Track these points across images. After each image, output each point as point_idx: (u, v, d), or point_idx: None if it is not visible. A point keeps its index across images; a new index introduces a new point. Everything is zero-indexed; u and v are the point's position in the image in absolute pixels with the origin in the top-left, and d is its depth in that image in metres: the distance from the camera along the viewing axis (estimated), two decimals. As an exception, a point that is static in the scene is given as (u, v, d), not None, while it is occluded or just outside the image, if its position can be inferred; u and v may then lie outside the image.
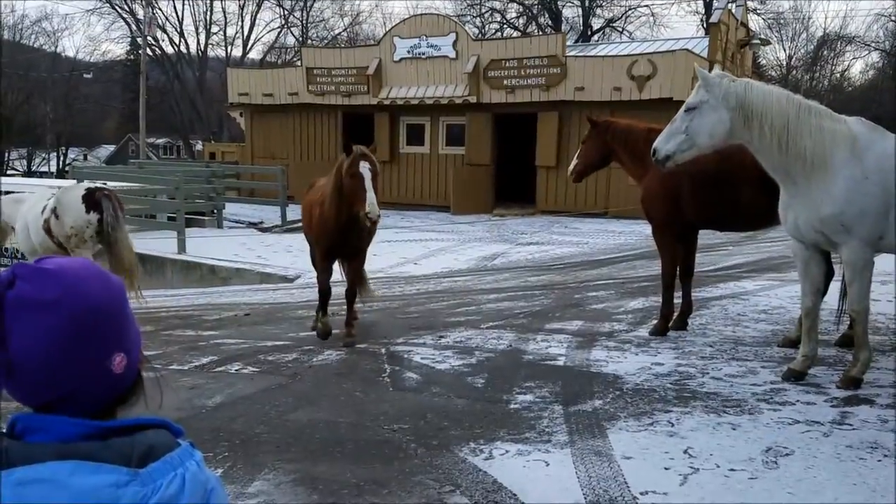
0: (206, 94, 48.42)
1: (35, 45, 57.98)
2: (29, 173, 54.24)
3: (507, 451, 3.70)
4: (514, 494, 3.20)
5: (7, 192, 17.80)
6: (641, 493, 3.16)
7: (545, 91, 19.21)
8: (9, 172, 53.04)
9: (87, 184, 8.35)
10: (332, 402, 4.65)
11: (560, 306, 7.47)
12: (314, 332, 6.47)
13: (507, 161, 21.15)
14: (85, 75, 48.93)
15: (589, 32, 42.90)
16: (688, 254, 6.13)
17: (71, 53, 67.02)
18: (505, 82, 19.73)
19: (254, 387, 5.03)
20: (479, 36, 35.17)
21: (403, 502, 3.15)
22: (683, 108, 4.73)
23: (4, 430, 1.05)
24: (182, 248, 14.07)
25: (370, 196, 5.46)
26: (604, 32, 43.57)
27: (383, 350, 5.93)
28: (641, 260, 10.89)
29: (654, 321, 6.14)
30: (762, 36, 33.91)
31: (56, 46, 58.61)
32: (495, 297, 8.55)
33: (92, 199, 7.46)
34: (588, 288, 8.64)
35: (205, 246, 14.27)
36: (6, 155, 55.40)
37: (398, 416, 4.29)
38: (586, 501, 3.12)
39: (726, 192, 5.54)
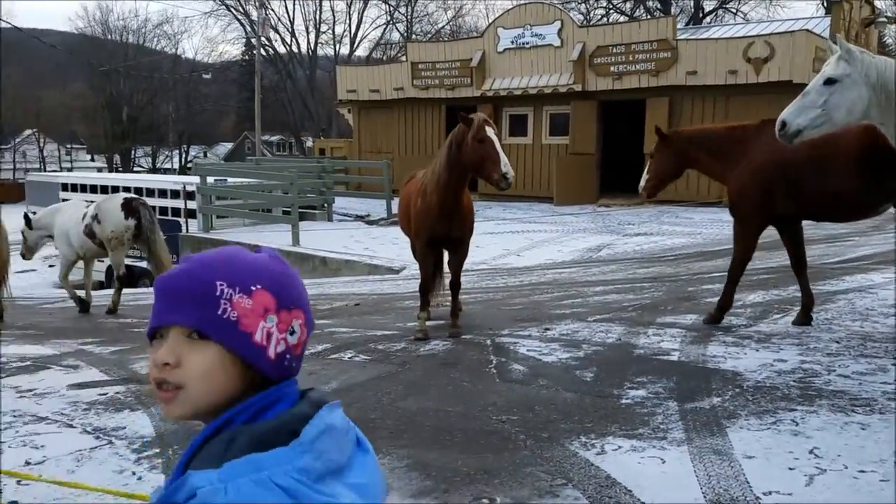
0: (316, 92, 49.99)
1: (157, 48, 61.60)
2: (153, 170, 57.79)
3: (619, 447, 3.61)
4: (629, 490, 3.12)
5: (136, 189, 19.03)
6: (764, 494, 3.01)
7: (654, 76, 18.66)
8: (135, 169, 56.72)
9: (124, 194, 9.45)
10: (441, 392, 4.68)
11: (672, 299, 7.23)
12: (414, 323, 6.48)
13: (613, 150, 20.68)
14: (204, 76, 51.50)
15: (700, 14, 41.26)
16: (795, 245, 5.80)
17: (190, 55, 70.89)
18: (612, 69, 19.30)
19: (366, 374, 5.15)
20: (585, 22, 34.51)
21: (515, 492, 3.13)
22: (821, 80, 4.42)
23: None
24: (296, 240, 14.61)
25: (503, 157, 5.39)
26: (716, 14, 41.80)
27: (488, 341, 5.92)
28: (759, 251, 10.36)
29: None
30: (889, 13, 31.52)
31: (176, 49, 62.14)
32: (602, 289, 8.37)
33: (130, 207, 8.51)
34: (702, 280, 8.32)
35: (316, 238, 14.76)
36: (133, 152, 59.23)
37: (506, 407, 4.27)
38: (706, 500, 3.00)
39: (820, 181, 5.28)
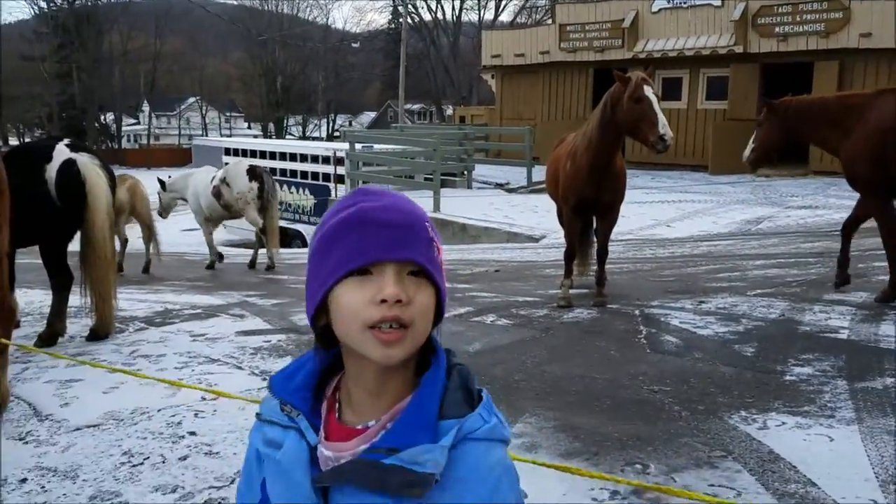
0: (458, 59, 50.21)
1: (309, 18, 64.03)
2: (303, 137, 60.53)
3: (783, 423, 3.42)
4: (794, 466, 2.95)
5: (291, 155, 19.99)
6: (948, 483, 2.75)
7: (823, 38, 17.22)
8: (287, 137, 59.64)
9: (249, 160, 10.64)
10: (586, 359, 4.62)
11: (839, 276, 6.70)
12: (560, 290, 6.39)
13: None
14: (352, 45, 53.02)
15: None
16: None
17: (340, 25, 73.03)
18: (776, 30, 17.99)
19: (509, 337, 5.16)
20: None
21: (670, 461, 3.04)
22: None
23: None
24: (437, 206, 14.84)
25: (662, 118, 5.17)
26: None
27: (637, 312, 5.76)
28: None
29: None
30: None
31: (327, 18, 64.29)
32: (762, 263, 7.90)
33: (254, 172, 9.56)
34: (873, 257, 7.65)
35: (456, 205, 14.92)
36: (285, 121, 62.29)
37: (658, 377, 4.15)
38: (878, 481, 2.79)
39: None
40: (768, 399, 3.74)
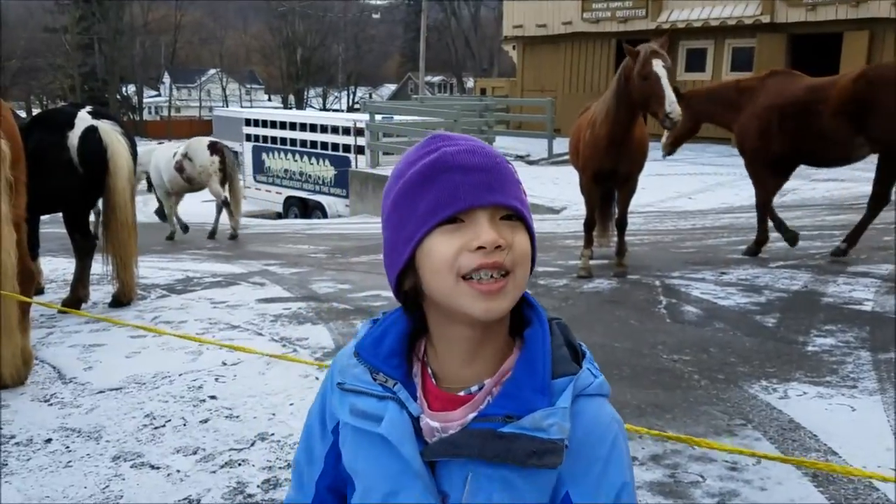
0: (479, 30, 49.69)
1: (330, -11, 63.53)
2: (324, 110, 60.40)
3: (804, 393, 3.39)
4: (815, 435, 2.93)
5: (311, 126, 19.96)
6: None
7: (854, 7, 16.76)
8: (307, 109, 59.58)
9: (209, 138, 11.14)
10: (606, 328, 4.60)
11: (865, 248, 6.59)
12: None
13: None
14: (373, 16, 52.65)
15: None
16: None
17: (360, -4, 72.41)
18: (804, -1, 17.55)
19: (529, 307, 5.15)
20: (773, -50, 31.47)
21: (689, 429, 3.03)
22: None
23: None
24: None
25: (669, 94, 5.12)
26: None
27: (657, 282, 5.72)
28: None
29: None
30: None
31: (348, -12, 63.70)
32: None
33: (215, 147, 10.18)
34: (899, 230, 7.52)
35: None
36: (305, 93, 62.20)
37: (678, 346, 4.12)
38: (902, 452, 2.76)
39: (813, 124, 5.78)
40: (789, 369, 3.71)
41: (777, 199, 11.05)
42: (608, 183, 6.15)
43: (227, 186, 10.30)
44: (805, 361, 3.82)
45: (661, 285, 5.62)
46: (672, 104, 5.10)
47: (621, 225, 6.16)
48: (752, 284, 5.46)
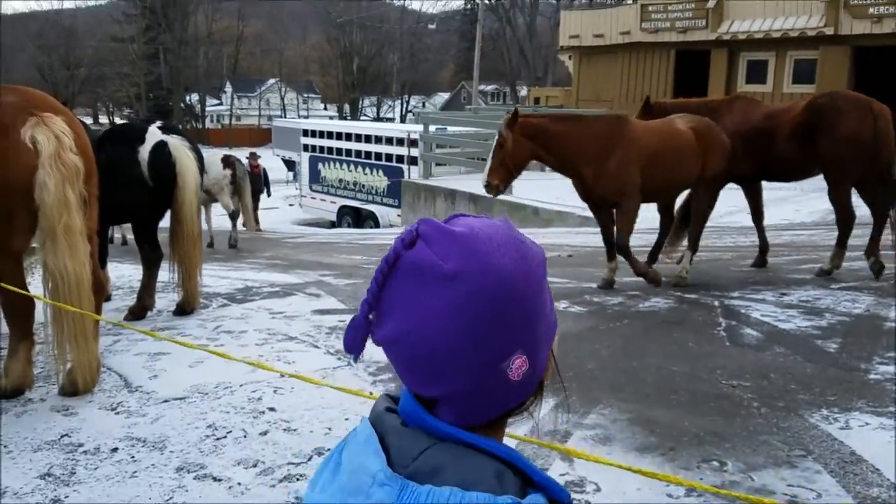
0: (534, 39, 49.58)
1: (386, 0, 64.39)
2: (378, 118, 61.11)
3: (866, 424, 3.30)
4: (877, 469, 2.85)
5: (366, 137, 20.23)
6: None
7: (922, 18, 16.22)
8: (361, 118, 60.37)
9: (224, 151, 12.03)
10: (663, 350, 4.55)
11: (933, 271, 6.38)
12: (639, 278, 6.30)
13: (867, 102, 18.38)
14: (429, 26, 53.07)
15: None
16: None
17: (416, 6, 73.18)
18: (871, 10, 17.04)
19: (582, 325, 5.13)
20: (839, -42, 30.65)
21: (748, 459, 2.98)
22: None
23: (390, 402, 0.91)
24: (510, 189, 14.73)
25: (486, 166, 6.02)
26: None
27: (716, 303, 5.63)
28: None
29: None
30: None
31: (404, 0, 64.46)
32: (847, 255, 7.55)
33: (228, 161, 11.02)
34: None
35: (529, 188, 14.76)
36: (360, 102, 63.02)
37: (737, 372, 4.06)
38: (974, 493, 2.67)
39: (772, 147, 6.31)
40: (851, 398, 3.61)
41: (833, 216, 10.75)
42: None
43: (239, 198, 11.17)
44: (867, 390, 3.72)
45: (721, 306, 5.53)
46: (483, 175, 6.04)
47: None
48: (814, 307, 5.33)
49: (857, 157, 6.04)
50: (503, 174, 6.02)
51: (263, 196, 15.70)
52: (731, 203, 12.01)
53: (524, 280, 0.85)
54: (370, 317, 0.89)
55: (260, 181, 15.15)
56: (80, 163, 3.70)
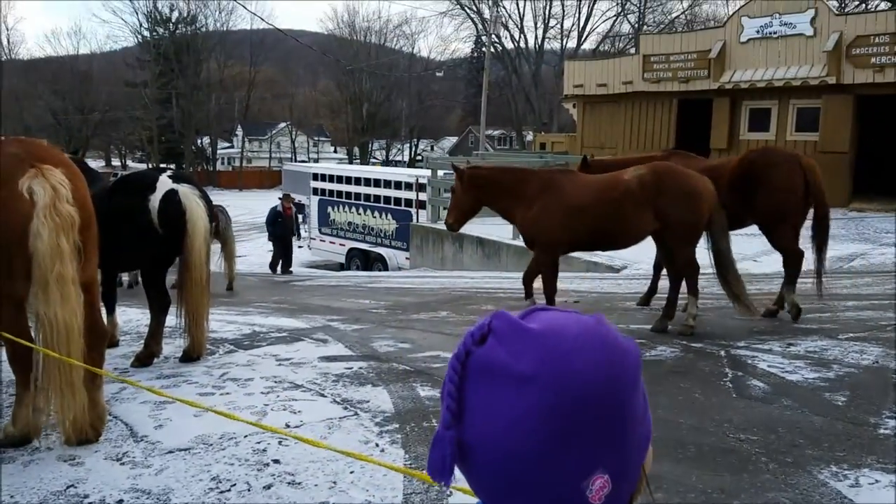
0: (539, 86, 50.33)
1: (396, 48, 65.75)
2: (386, 162, 61.75)
3: (877, 482, 3.26)
4: (890, 533, 2.82)
5: (375, 181, 20.43)
6: None
7: (924, 68, 16.44)
8: (371, 161, 61.02)
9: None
10: (671, 401, 4.52)
11: (941, 321, 6.36)
12: (645, 326, 6.34)
13: (870, 150, 18.53)
14: (437, 74, 54.01)
15: None
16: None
17: (425, 53, 74.65)
18: (872, 60, 17.28)
19: (589, 375, 5.11)
20: (841, 10, 31.18)
21: (756, 518, 2.95)
22: None
23: None
24: (516, 234, 14.81)
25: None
26: None
27: (722, 352, 5.61)
28: None
29: None
30: None
31: (413, 48, 65.82)
32: (854, 304, 7.57)
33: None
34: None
35: (537, 233, 14.84)
36: (370, 145, 63.80)
37: (745, 425, 4.03)
38: None
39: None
40: (861, 454, 3.58)
41: (844, 265, 10.75)
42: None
43: (223, 246, 11.31)
44: (877, 445, 3.68)
45: (727, 356, 5.51)
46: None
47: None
48: (821, 358, 5.31)
49: (790, 205, 6.69)
50: (458, 215, 6.97)
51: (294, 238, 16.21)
52: (736, 250, 12.04)
53: (610, 388, 0.76)
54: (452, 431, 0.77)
55: (292, 223, 15.35)
56: (75, 213, 3.74)
